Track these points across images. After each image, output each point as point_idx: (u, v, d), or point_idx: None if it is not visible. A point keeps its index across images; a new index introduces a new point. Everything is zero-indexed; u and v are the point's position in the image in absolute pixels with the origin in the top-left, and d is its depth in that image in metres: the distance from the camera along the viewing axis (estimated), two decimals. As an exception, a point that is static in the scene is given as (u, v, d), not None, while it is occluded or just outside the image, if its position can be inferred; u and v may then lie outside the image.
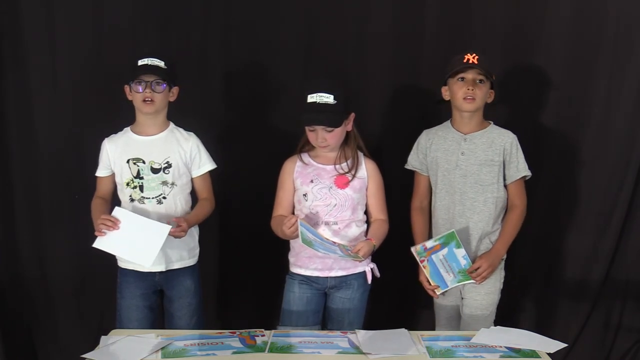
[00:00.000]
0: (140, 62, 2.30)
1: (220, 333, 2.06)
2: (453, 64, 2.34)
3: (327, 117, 2.23)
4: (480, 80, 2.31)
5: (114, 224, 2.21)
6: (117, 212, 2.26)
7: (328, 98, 2.22)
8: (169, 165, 2.35)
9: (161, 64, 2.31)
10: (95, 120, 2.78)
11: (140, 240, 2.21)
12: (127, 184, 2.34)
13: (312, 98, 2.23)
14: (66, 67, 2.80)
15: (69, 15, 2.76)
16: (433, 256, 2.33)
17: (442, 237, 2.32)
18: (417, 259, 2.35)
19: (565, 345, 1.99)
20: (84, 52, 2.79)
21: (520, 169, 2.36)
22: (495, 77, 2.38)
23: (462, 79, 2.32)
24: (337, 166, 2.33)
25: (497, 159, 2.35)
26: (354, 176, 2.32)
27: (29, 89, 2.81)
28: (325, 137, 2.26)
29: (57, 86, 2.81)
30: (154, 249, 2.19)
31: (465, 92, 2.31)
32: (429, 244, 2.34)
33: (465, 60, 2.30)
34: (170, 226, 2.22)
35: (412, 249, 2.37)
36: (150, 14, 2.79)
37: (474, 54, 2.30)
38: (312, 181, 2.31)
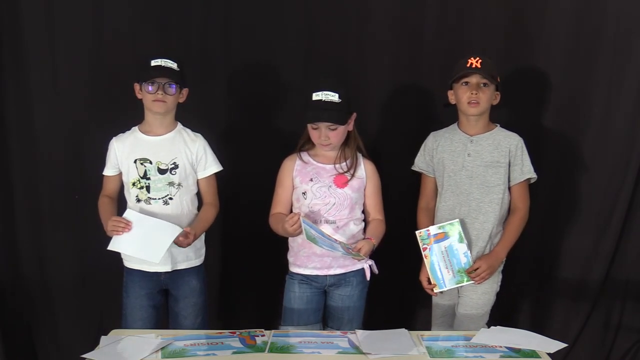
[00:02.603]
0: (153, 63, 2.29)
1: (220, 333, 2.06)
2: (457, 69, 2.35)
3: (333, 114, 2.24)
4: (484, 84, 2.32)
5: (127, 225, 2.22)
6: (128, 214, 2.27)
7: (333, 96, 2.24)
8: (176, 166, 2.35)
9: (174, 65, 2.31)
10: (95, 121, 2.79)
11: (150, 239, 2.22)
12: (134, 184, 2.34)
13: (317, 96, 2.24)
14: (66, 67, 2.80)
15: (69, 15, 2.76)
16: (435, 245, 2.33)
17: (446, 225, 2.33)
18: (420, 245, 2.36)
19: (565, 345, 1.99)
20: (84, 52, 2.78)
21: (524, 171, 2.36)
22: (500, 79, 2.38)
23: (466, 83, 2.32)
24: (337, 165, 2.33)
25: (502, 161, 2.36)
26: (352, 175, 2.32)
27: (29, 89, 2.81)
28: (328, 135, 2.27)
29: (57, 86, 2.81)
30: (163, 246, 2.21)
31: (469, 97, 2.32)
32: (433, 230, 2.34)
33: (468, 65, 2.31)
34: (181, 228, 2.23)
35: (417, 233, 2.37)
36: (150, 14, 2.79)
37: (478, 58, 2.31)
38: (311, 180, 2.32)
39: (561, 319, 2.90)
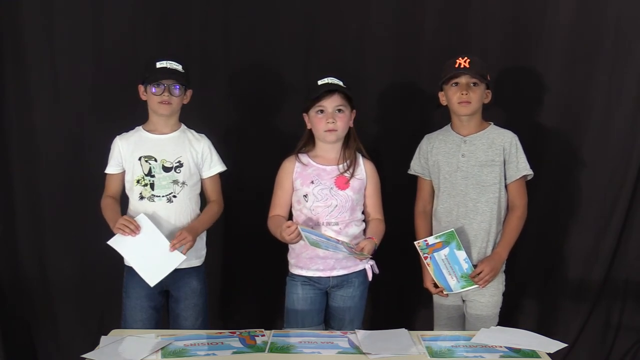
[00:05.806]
0: (159, 65, 2.29)
1: (220, 333, 2.06)
2: (446, 70, 2.34)
3: (342, 88, 2.27)
4: (474, 84, 2.31)
5: (136, 229, 2.22)
6: (141, 218, 2.26)
7: (339, 82, 2.28)
8: (181, 165, 2.35)
9: (179, 67, 2.32)
10: (95, 120, 2.79)
11: (152, 256, 2.23)
12: (138, 182, 2.34)
13: (323, 81, 2.28)
14: (66, 67, 2.80)
15: (69, 16, 2.76)
16: (435, 254, 2.33)
17: (442, 234, 2.33)
18: (421, 254, 2.36)
19: (565, 345, 1.98)
20: (83, 52, 2.79)
21: (520, 168, 2.36)
22: (491, 77, 2.38)
23: (456, 83, 2.32)
24: (338, 166, 2.33)
25: (497, 159, 2.35)
26: (352, 175, 2.32)
27: (29, 89, 2.81)
28: (335, 118, 2.26)
29: (57, 86, 2.81)
30: (163, 272, 2.23)
31: (460, 97, 2.31)
32: (431, 240, 2.35)
33: (457, 65, 2.30)
34: (185, 257, 2.24)
35: (415, 244, 2.37)
36: (151, 14, 2.79)
37: (466, 58, 2.30)
38: (312, 182, 2.31)
39: (561, 319, 2.90)
